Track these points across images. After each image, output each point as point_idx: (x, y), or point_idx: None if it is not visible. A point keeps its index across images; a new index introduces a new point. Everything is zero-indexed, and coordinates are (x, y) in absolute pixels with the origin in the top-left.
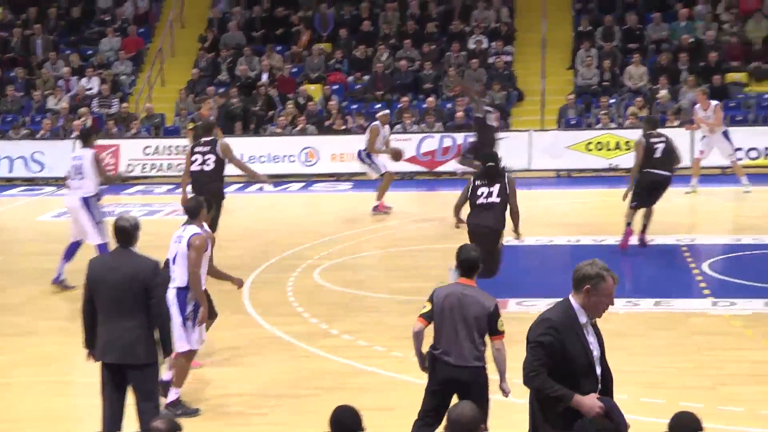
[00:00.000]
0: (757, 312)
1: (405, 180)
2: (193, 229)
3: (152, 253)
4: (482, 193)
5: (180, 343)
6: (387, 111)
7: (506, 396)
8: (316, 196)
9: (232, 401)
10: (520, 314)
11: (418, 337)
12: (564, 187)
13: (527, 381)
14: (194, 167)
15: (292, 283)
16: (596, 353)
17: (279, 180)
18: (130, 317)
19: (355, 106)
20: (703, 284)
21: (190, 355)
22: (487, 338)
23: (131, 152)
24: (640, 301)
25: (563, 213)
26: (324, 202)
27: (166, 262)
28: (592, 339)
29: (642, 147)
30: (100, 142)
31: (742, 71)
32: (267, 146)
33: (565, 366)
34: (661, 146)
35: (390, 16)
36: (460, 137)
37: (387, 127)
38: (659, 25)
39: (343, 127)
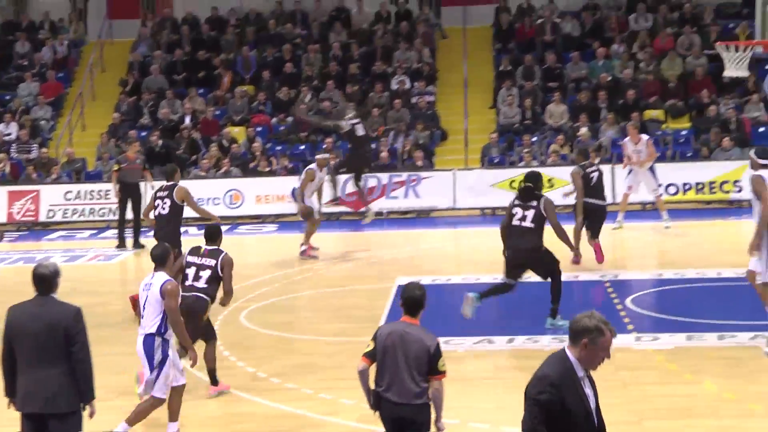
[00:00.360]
0: (679, 346)
1: (330, 221)
2: (163, 276)
3: (75, 299)
4: (516, 213)
5: (150, 389)
6: (327, 155)
7: None
8: (242, 239)
9: None
10: (446, 353)
11: (362, 375)
12: (489, 225)
13: None
14: (155, 212)
15: (219, 326)
16: (593, 405)
17: (203, 223)
18: (51, 365)
19: (279, 148)
20: (626, 319)
21: (157, 403)
22: None
23: (52, 197)
24: (565, 338)
25: (489, 251)
26: (249, 245)
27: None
28: (589, 391)
29: (581, 177)
30: (20, 188)
31: (659, 108)
32: (191, 189)
33: (564, 421)
34: (596, 175)
35: (312, 58)
36: (385, 177)
37: (324, 170)
38: (578, 64)
39: (268, 169)
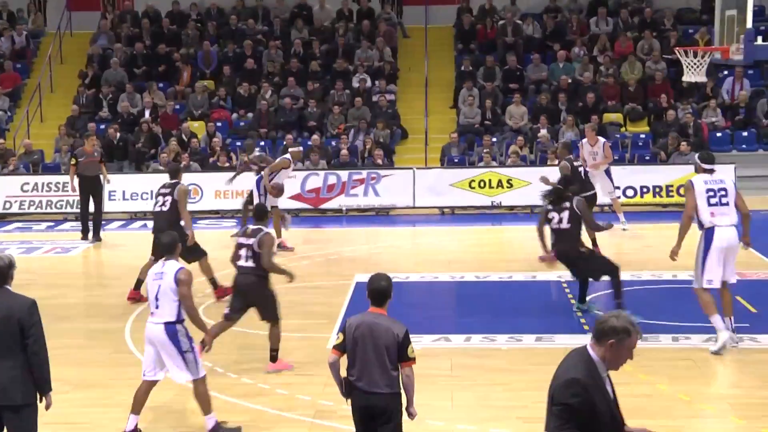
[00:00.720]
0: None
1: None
2: (175, 264)
3: (32, 291)
4: (553, 218)
5: (184, 374)
6: (300, 148)
7: (412, 419)
8: (200, 234)
9: None
10: None
11: (333, 367)
12: (447, 225)
13: None
14: (156, 208)
15: None
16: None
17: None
18: (5, 358)
19: (239, 144)
20: (583, 320)
21: (203, 380)
22: None
23: (9, 189)
24: (522, 337)
25: (447, 250)
26: (208, 240)
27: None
28: (610, 389)
29: (569, 170)
30: None
31: (618, 112)
32: (150, 183)
33: (593, 423)
34: (582, 170)
35: (273, 54)
36: (344, 175)
37: (294, 165)
38: (538, 66)
39: (227, 164)
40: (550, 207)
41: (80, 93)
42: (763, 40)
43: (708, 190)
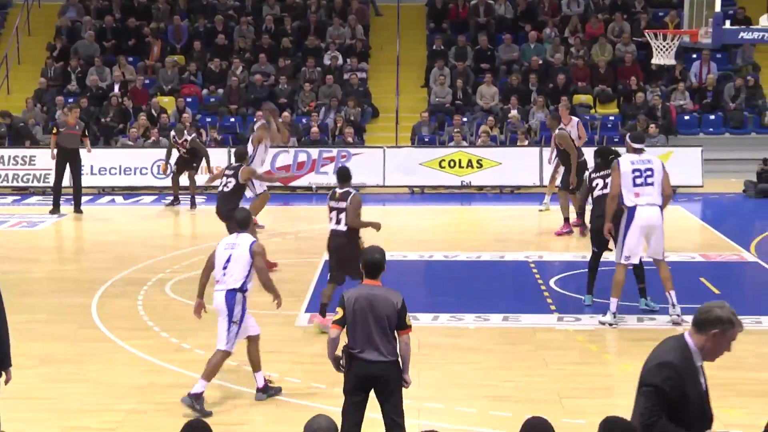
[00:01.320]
0: (600, 327)
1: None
2: (249, 237)
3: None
4: (597, 184)
5: (220, 342)
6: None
7: (407, 387)
8: (169, 209)
9: (81, 417)
10: None
11: (333, 343)
12: (417, 204)
13: (645, 428)
14: (220, 188)
15: (143, 296)
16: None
17: (130, 192)
18: None
19: (209, 120)
20: (549, 300)
21: (226, 355)
22: None
23: None
24: (489, 316)
25: (416, 229)
26: (176, 215)
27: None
28: (703, 381)
29: (569, 137)
30: None
31: (588, 94)
32: (118, 158)
33: (681, 409)
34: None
35: (245, 30)
36: (315, 152)
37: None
38: (510, 46)
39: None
40: (594, 173)
41: (48, 66)
42: (731, 24)
43: (634, 170)
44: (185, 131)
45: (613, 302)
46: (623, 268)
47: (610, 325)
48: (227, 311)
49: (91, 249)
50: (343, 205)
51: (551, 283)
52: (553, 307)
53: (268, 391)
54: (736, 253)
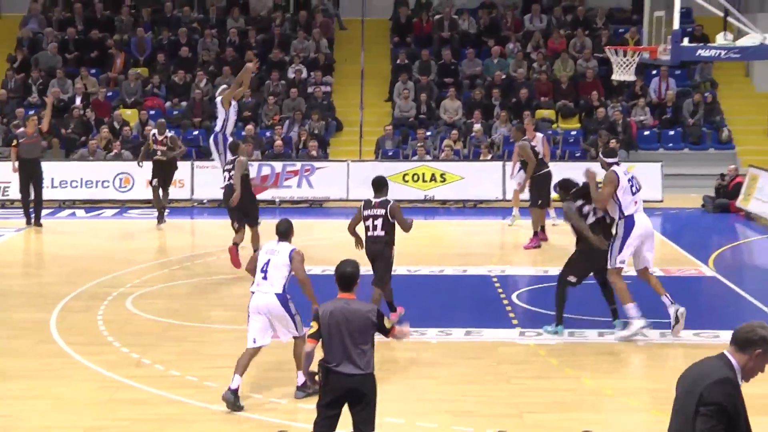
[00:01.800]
0: (561, 342)
1: (222, 207)
2: (288, 246)
3: None
4: (588, 212)
5: (292, 333)
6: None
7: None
8: (131, 223)
9: None
10: None
11: (309, 357)
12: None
13: None
14: (225, 182)
15: (103, 311)
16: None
17: (92, 205)
18: None
19: (172, 132)
20: (511, 314)
21: (303, 339)
22: None
23: None
24: (452, 331)
25: None
26: (138, 229)
27: None
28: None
29: (530, 149)
30: None
31: (551, 108)
32: (80, 171)
33: (736, 427)
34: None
35: (209, 43)
36: (278, 166)
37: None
38: (473, 61)
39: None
40: (580, 202)
41: (8, 77)
42: (690, 42)
43: (628, 180)
44: (166, 128)
45: (631, 307)
46: (618, 275)
47: (642, 330)
48: (285, 311)
49: (51, 263)
50: (380, 212)
51: (513, 297)
52: (515, 322)
53: (305, 389)
54: (695, 267)
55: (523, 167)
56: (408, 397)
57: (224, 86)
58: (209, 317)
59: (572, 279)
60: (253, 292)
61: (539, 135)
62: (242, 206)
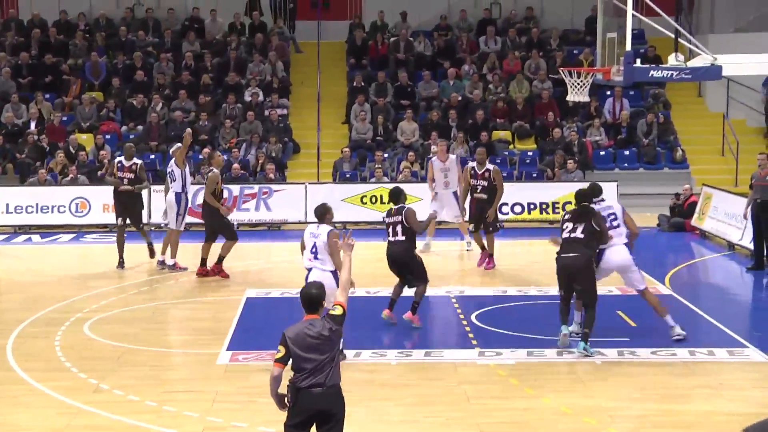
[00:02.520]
0: (521, 361)
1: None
2: (326, 227)
3: None
4: (567, 227)
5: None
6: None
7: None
8: (87, 248)
9: None
10: None
11: (276, 381)
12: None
13: None
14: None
15: (60, 336)
16: None
17: (47, 231)
18: None
19: (140, 161)
20: (471, 335)
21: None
22: None
23: None
24: (411, 352)
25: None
26: (95, 254)
27: None
28: None
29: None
30: None
31: (507, 129)
32: (35, 196)
33: None
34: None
35: (164, 67)
36: (236, 189)
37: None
38: (429, 83)
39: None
40: (567, 216)
41: None
42: (642, 63)
43: (606, 216)
44: (134, 155)
45: (669, 319)
46: (652, 295)
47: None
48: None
49: (5, 288)
50: (397, 219)
51: (472, 317)
52: (474, 342)
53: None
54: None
55: (488, 191)
56: (368, 419)
57: (177, 145)
58: (167, 342)
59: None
60: (309, 269)
61: (452, 157)
62: (213, 222)
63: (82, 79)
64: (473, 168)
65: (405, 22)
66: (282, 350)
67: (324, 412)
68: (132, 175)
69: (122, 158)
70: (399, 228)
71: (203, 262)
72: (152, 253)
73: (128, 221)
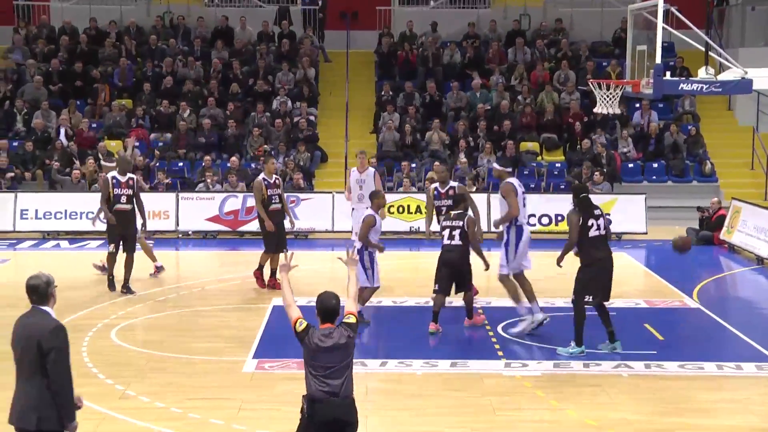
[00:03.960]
0: (547, 373)
1: (207, 239)
2: (368, 211)
3: None
4: (591, 224)
5: (363, 281)
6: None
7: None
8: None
9: None
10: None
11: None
12: None
13: None
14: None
15: (88, 343)
16: None
17: (76, 237)
18: (27, 381)
19: (157, 164)
20: (497, 346)
21: (372, 290)
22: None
23: None
24: (437, 362)
25: None
26: (123, 261)
27: None
28: None
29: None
30: None
31: (535, 141)
32: (64, 202)
33: None
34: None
35: (193, 74)
36: None
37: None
38: (457, 93)
39: (148, 186)
40: (587, 214)
41: None
42: (672, 75)
43: (522, 192)
44: (129, 169)
45: (524, 304)
46: (510, 280)
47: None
48: (360, 262)
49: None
50: (458, 223)
51: (499, 329)
52: (500, 353)
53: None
54: (679, 299)
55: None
56: (392, 429)
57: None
58: (193, 349)
59: (588, 298)
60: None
61: (371, 170)
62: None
63: (112, 86)
64: (435, 188)
65: (435, 32)
66: (304, 324)
67: (339, 422)
68: (130, 191)
69: (116, 173)
70: (457, 233)
71: (272, 272)
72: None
73: (121, 246)
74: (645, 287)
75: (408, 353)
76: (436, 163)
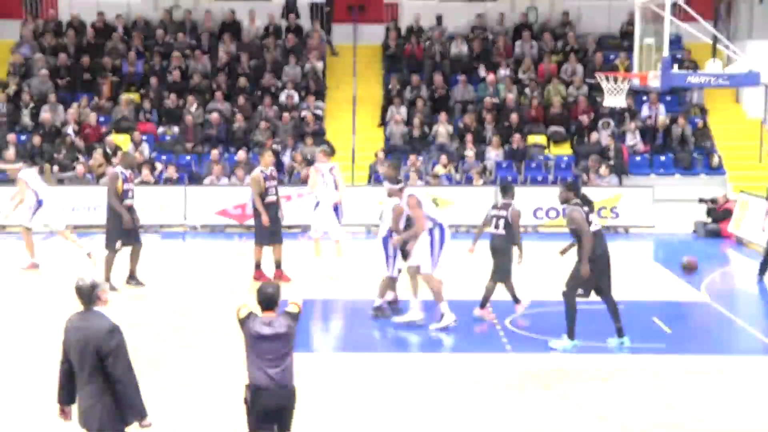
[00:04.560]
0: (554, 367)
1: (216, 232)
2: (396, 200)
3: None
4: (592, 221)
5: (386, 271)
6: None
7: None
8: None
9: None
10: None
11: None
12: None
13: None
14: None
15: None
16: None
17: (82, 230)
18: (88, 382)
19: (164, 157)
20: (504, 339)
21: (393, 280)
22: None
23: None
24: (444, 355)
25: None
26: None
27: None
28: None
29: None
30: None
31: (542, 134)
32: (72, 195)
33: None
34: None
35: (200, 68)
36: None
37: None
38: (464, 86)
39: (153, 180)
40: (586, 209)
41: None
42: (679, 68)
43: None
44: (133, 165)
45: (444, 305)
46: (435, 279)
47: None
48: (384, 248)
49: (40, 287)
50: (502, 213)
51: (506, 322)
52: (508, 347)
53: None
54: (687, 292)
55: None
56: (398, 421)
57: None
58: (196, 345)
59: (580, 291)
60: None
61: (335, 165)
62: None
63: (119, 79)
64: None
65: (440, 25)
66: (247, 310)
67: (283, 410)
68: (134, 186)
69: (121, 168)
70: (501, 222)
71: (277, 264)
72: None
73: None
74: (653, 280)
75: (415, 346)
76: (389, 160)
